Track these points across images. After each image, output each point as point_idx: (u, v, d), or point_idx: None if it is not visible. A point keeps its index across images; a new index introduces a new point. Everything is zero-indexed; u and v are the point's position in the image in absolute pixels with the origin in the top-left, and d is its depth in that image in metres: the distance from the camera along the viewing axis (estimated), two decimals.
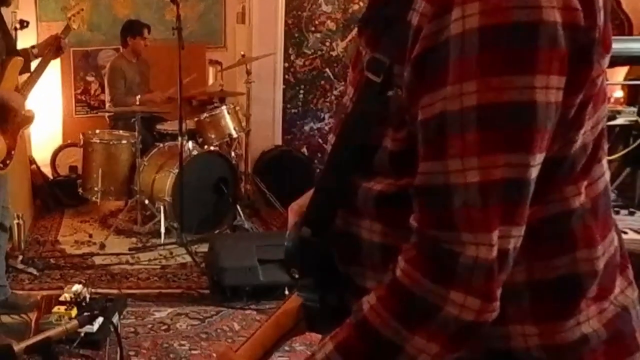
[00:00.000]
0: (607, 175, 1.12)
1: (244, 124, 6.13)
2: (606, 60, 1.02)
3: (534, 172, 0.96)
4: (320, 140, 6.75)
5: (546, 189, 1.02)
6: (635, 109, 3.88)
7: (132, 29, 6.61)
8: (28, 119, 4.18)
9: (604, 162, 1.11)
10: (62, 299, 3.93)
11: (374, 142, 1.09)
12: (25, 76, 4.19)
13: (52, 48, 4.27)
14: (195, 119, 5.92)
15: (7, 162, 3.94)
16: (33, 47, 4.39)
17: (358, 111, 1.14)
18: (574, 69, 0.96)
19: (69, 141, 7.09)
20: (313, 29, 6.65)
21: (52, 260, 5.18)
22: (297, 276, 1.21)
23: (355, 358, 1.05)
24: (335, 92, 6.76)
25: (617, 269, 1.14)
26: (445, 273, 0.97)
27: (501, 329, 1.06)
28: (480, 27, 0.92)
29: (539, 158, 0.96)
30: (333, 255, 1.19)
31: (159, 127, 6.19)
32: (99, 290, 4.47)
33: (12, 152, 3.98)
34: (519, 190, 0.96)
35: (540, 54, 0.92)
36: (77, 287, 3.98)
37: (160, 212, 5.57)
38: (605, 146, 1.12)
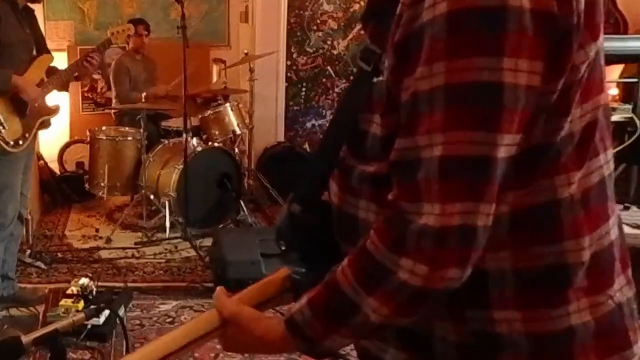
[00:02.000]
0: (606, 169, 1.12)
1: (247, 120, 6.14)
2: (592, 48, 1.03)
3: (502, 152, 0.97)
4: (321, 136, 6.69)
5: (531, 176, 1.04)
6: (630, 106, 3.87)
7: None
8: (49, 110, 4.21)
9: (604, 155, 1.11)
10: (69, 292, 3.95)
11: (363, 127, 1.13)
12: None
13: (79, 62, 4.33)
14: (200, 116, 5.93)
15: (20, 142, 3.96)
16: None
17: (348, 97, 1.21)
18: (553, 54, 0.98)
19: (76, 138, 7.10)
20: (315, 27, 6.65)
21: (59, 254, 5.21)
22: (283, 248, 1.26)
23: (321, 312, 1.11)
24: (336, 90, 6.76)
25: (614, 264, 1.14)
26: (399, 240, 1.01)
27: (486, 313, 1.09)
28: (448, 12, 0.96)
29: (508, 139, 0.97)
30: (320, 231, 1.23)
31: (164, 123, 6.22)
32: (105, 284, 4.49)
33: (27, 135, 4.01)
34: (484, 168, 0.97)
35: (506, 38, 0.94)
36: (84, 281, 3.99)
37: (165, 207, 5.57)
38: (607, 140, 1.12)
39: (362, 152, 1.14)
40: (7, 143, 3.90)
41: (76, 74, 4.36)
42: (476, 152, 0.97)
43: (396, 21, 1.04)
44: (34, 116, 4.07)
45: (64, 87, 4.35)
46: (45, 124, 4.24)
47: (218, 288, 1.28)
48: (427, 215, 0.99)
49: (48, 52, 4.29)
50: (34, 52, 4.13)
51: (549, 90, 1.00)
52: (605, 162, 1.12)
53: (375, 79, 1.11)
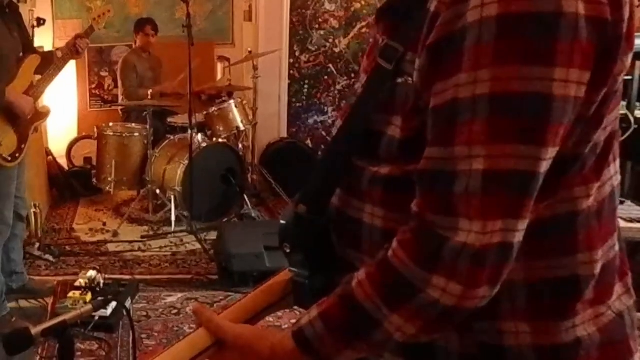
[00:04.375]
0: (615, 179, 1.08)
1: (250, 117, 6.17)
2: (629, 58, 0.98)
3: (544, 166, 0.92)
4: (323, 132, 6.77)
5: (557, 187, 0.99)
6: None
7: (137, 26, 6.72)
8: (41, 115, 4.13)
9: (613, 166, 1.07)
10: (77, 284, 4.01)
11: (378, 128, 1.07)
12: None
13: (71, 48, 4.13)
14: (205, 113, 5.96)
15: (17, 155, 3.86)
16: (58, 49, 4.30)
17: (366, 96, 1.12)
18: (600, 64, 0.92)
19: (83, 134, 7.15)
20: (317, 26, 6.67)
21: (67, 248, 5.26)
22: (288, 251, 1.19)
23: (336, 326, 1.03)
24: (338, 87, 6.79)
25: (617, 274, 1.11)
26: (431, 257, 0.95)
27: (494, 325, 1.04)
28: (498, 16, 0.89)
29: (551, 152, 0.92)
30: (326, 234, 1.17)
31: (169, 120, 6.26)
32: (113, 276, 4.53)
33: (23, 146, 3.90)
34: (526, 183, 0.92)
35: (560, 46, 0.88)
36: (91, 273, 4.04)
37: (171, 201, 5.61)
38: (617, 150, 1.07)
39: (375, 154, 1.08)
40: (5, 159, 3.80)
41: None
42: (521, 167, 0.92)
43: (431, 20, 0.97)
44: (26, 126, 3.97)
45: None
46: (37, 129, 4.16)
47: (203, 312, 1.18)
48: (466, 232, 0.93)
49: (34, 50, 4.17)
50: (21, 53, 3.98)
51: (590, 101, 0.95)
52: (615, 173, 1.08)
53: (399, 79, 1.05)
